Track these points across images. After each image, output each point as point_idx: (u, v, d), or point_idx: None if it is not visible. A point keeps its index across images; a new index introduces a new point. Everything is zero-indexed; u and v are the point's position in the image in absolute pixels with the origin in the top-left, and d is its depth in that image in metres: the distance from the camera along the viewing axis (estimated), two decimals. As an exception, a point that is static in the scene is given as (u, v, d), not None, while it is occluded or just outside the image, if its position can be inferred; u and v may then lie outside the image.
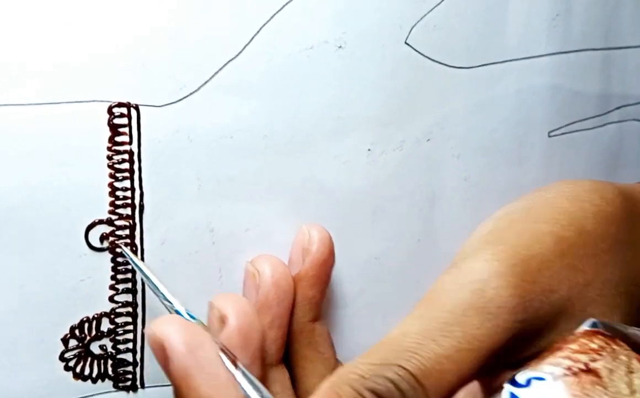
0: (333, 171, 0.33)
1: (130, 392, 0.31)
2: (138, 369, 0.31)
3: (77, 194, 0.28)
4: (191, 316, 0.27)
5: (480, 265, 0.26)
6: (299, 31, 0.31)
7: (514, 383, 0.25)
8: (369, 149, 0.33)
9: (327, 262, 0.31)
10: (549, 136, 0.38)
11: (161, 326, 0.26)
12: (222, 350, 0.26)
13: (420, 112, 0.34)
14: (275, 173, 0.31)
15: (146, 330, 0.28)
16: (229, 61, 0.30)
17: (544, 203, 0.30)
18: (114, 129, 0.28)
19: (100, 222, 0.29)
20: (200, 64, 0.29)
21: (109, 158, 0.28)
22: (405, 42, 0.33)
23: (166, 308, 0.28)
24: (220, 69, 0.30)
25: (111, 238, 0.29)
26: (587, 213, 0.29)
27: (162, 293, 0.28)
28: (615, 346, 0.25)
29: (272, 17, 0.30)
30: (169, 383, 0.30)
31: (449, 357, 0.24)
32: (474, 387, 0.26)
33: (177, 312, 0.27)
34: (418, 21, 0.33)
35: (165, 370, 0.26)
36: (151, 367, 0.31)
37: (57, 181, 0.28)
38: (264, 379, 0.29)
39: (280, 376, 0.30)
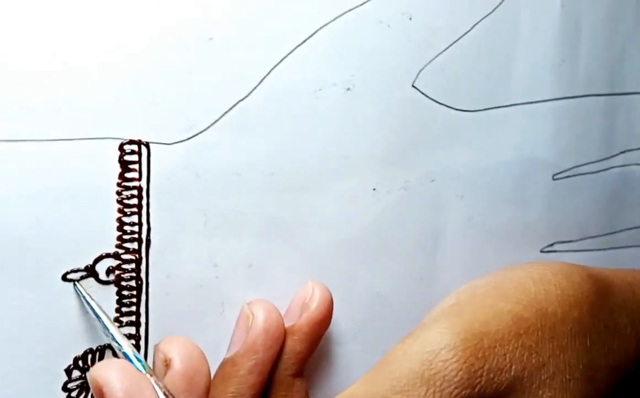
0: (338, 209, 0.33)
1: (131, 422, 0.31)
2: (139, 400, 0.31)
3: (85, 228, 0.29)
4: (138, 359, 0.28)
5: (434, 336, 0.27)
6: (309, 73, 0.31)
7: None
8: (374, 189, 0.34)
9: (323, 323, 0.31)
10: (553, 179, 0.39)
11: (102, 370, 0.26)
12: (166, 395, 0.26)
13: (425, 153, 0.35)
14: (281, 210, 0.32)
15: (88, 373, 0.28)
16: (239, 101, 0.30)
17: (509, 281, 0.31)
18: (125, 165, 0.29)
19: (108, 256, 0.29)
20: (211, 103, 0.30)
21: (119, 193, 0.29)
22: (412, 85, 0.34)
23: (114, 349, 0.29)
24: (230, 108, 0.30)
25: (117, 272, 0.29)
26: (551, 295, 0.29)
27: (111, 334, 0.28)
28: None
29: (282, 59, 0.31)
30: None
31: None
32: None
33: (125, 354, 0.28)
34: (425, 65, 0.34)
35: None
36: (152, 399, 0.31)
37: (67, 215, 0.28)
38: None
39: None
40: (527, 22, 0.36)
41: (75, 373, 0.30)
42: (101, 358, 0.30)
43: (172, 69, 0.29)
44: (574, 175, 0.39)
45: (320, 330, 0.31)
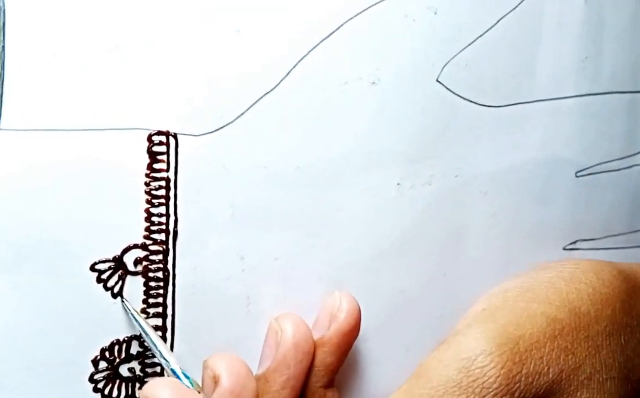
0: (362, 204, 0.33)
1: (156, 415, 0.31)
2: (165, 393, 0.31)
3: (113, 219, 0.29)
4: (186, 376, 0.28)
5: (469, 342, 0.27)
6: (334, 67, 0.31)
7: None
8: (398, 184, 0.34)
9: (352, 333, 0.31)
10: (576, 176, 0.38)
11: (154, 389, 0.26)
12: None
13: (449, 149, 0.35)
14: (306, 204, 0.32)
15: (140, 392, 0.28)
16: (265, 94, 0.30)
17: (540, 282, 0.30)
18: (153, 156, 0.29)
19: (135, 246, 0.29)
20: (238, 95, 0.30)
21: (147, 184, 0.29)
22: (437, 80, 0.34)
23: (163, 366, 0.29)
24: (257, 101, 0.30)
25: (144, 263, 0.29)
26: (583, 294, 0.29)
27: (159, 351, 0.28)
28: None
29: (308, 52, 0.31)
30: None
31: None
32: None
33: (173, 371, 0.28)
34: (450, 60, 0.34)
35: None
36: (178, 392, 0.31)
37: (95, 206, 0.28)
38: None
39: None
40: (550, 17, 0.36)
41: (102, 365, 0.30)
42: (128, 349, 0.30)
43: (199, 60, 0.29)
44: (597, 173, 0.39)
45: (349, 341, 0.31)
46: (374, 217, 0.33)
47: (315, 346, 0.30)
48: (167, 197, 0.29)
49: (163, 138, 0.29)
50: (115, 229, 0.29)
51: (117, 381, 0.30)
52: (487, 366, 0.26)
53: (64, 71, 0.27)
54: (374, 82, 0.32)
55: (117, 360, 0.30)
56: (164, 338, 0.30)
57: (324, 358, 0.30)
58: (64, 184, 0.28)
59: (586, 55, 0.37)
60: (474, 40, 0.35)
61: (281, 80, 0.30)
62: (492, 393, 0.25)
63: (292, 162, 0.31)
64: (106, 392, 0.30)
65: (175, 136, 0.29)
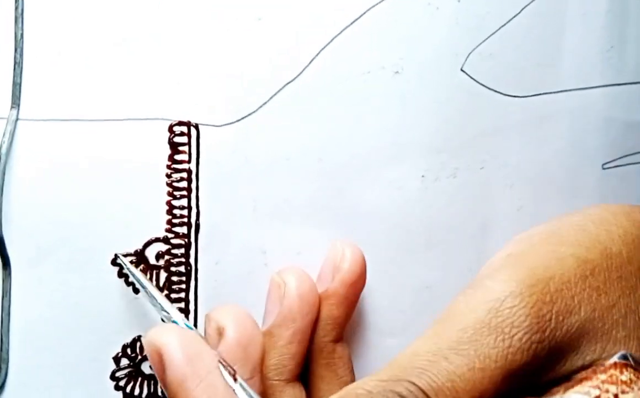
0: (387, 196, 0.32)
1: (179, 414, 0.30)
2: (187, 391, 0.30)
3: (135, 212, 0.28)
4: (189, 327, 0.27)
5: (496, 285, 0.26)
6: (357, 56, 0.31)
7: None
8: (422, 176, 0.33)
9: (358, 283, 0.30)
10: (603, 168, 0.38)
11: (159, 334, 0.25)
12: (221, 363, 0.25)
13: (474, 140, 0.34)
14: (329, 196, 0.31)
15: (143, 337, 0.27)
16: (287, 83, 0.30)
17: (568, 226, 0.29)
18: (174, 147, 0.28)
19: (157, 240, 0.29)
20: (260, 85, 0.29)
21: (168, 176, 0.28)
22: (461, 69, 0.33)
23: (163, 319, 0.28)
24: (279, 91, 0.30)
25: (167, 257, 0.29)
26: (614, 235, 0.28)
27: (159, 303, 0.27)
28: None
29: (330, 41, 0.30)
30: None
31: (461, 376, 0.24)
32: None
33: (175, 323, 0.27)
34: (474, 49, 0.33)
35: (160, 379, 0.25)
36: (201, 390, 0.30)
37: (116, 198, 0.28)
38: (276, 393, 0.29)
39: (296, 393, 0.30)
40: (574, 7, 0.36)
41: (124, 362, 0.29)
42: (150, 346, 0.29)
43: (220, 49, 0.28)
44: (624, 165, 0.38)
45: (355, 291, 0.30)
46: (398, 210, 0.33)
47: (320, 300, 0.30)
48: (189, 189, 0.29)
49: (184, 129, 0.28)
50: (137, 223, 0.28)
51: (139, 378, 0.29)
52: (517, 306, 0.25)
53: (85, 59, 0.27)
54: (397, 72, 0.32)
55: (139, 357, 0.29)
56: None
57: (330, 310, 0.30)
58: (84, 176, 0.28)
59: (611, 44, 0.37)
60: (498, 29, 0.34)
61: (303, 69, 0.30)
62: (522, 332, 0.24)
63: (314, 153, 0.31)
64: (128, 389, 0.29)
65: (196, 127, 0.28)
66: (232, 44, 0.29)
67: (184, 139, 0.28)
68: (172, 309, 0.27)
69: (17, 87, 0.26)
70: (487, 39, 0.34)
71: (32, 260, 0.27)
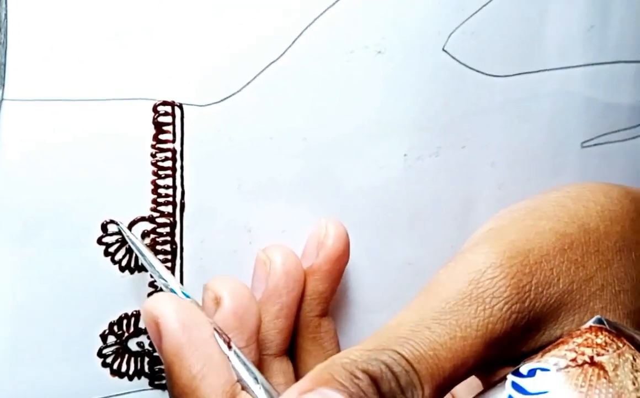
0: (370, 175, 0.33)
1: (165, 390, 0.31)
2: (174, 367, 0.31)
3: (120, 191, 0.28)
4: (186, 296, 0.27)
5: (477, 257, 0.26)
6: (340, 35, 0.31)
7: (516, 373, 0.25)
8: (405, 155, 0.34)
9: (342, 258, 0.31)
10: (582, 147, 0.38)
11: (156, 302, 0.26)
12: (217, 331, 0.26)
13: (457, 119, 0.34)
14: (313, 175, 0.32)
15: (141, 306, 0.27)
16: (271, 63, 0.30)
17: (547, 202, 0.30)
18: (159, 127, 0.28)
19: (142, 219, 0.29)
20: (243, 65, 0.29)
21: (153, 155, 0.29)
22: (443, 49, 0.34)
23: (160, 286, 0.28)
24: (262, 70, 0.30)
25: (152, 236, 0.29)
26: (591, 211, 0.29)
27: (157, 271, 0.28)
28: (620, 344, 0.25)
29: (314, 20, 0.30)
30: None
31: (443, 345, 0.24)
32: (472, 381, 0.26)
33: (172, 291, 0.27)
34: (456, 28, 0.34)
35: (157, 347, 0.26)
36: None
37: (101, 178, 0.28)
38: (264, 367, 0.29)
39: (284, 367, 0.30)
40: (557, -15, 0.36)
41: (111, 339, 0.29)
42: (136, 323, 0.30)
43: (204, 29, 0.29)
44: (603, 143, 0.39)
45: (339, 266, 0.31)
46: (382, 188, 0.33)
47: (305, 275, 0.30)
48: (173, 168, 0.29)
49: (168, 108, 0.28)
50: (122, 202, 0.29)
51: (126, 355, 0.30)
52: (497, 277, 0.26)
53: (69, 40, 0.27)
54: (380, 51, 0.32)
55: (126, 334, 0.30)
56: (172, 311, 0.30)
57: (315, 286, 0.30)
58: (70, 156, 0.28)
59: (592, 24, 0.37)
60: (480, 8, 0.34)
61: (287, 49, 0.30)
62: (502, 302, 0.25)
63: (298, 133, 0.31)
64: (115, 366, 0.30)
65: (180, 107, 0.29)
66: (215, 23, 0.29)
67: (169, 119, 0.29)
68: (170, 277, 0.28)
69: (1, 67, 0.26)
70: (469, 18, 0.34)
71: (19, 239, 0.28)
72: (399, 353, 0.24)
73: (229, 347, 0.26)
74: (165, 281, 0.27)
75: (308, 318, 0.30)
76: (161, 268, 0.28)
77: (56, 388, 0.29)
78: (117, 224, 0.28)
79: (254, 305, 0.28)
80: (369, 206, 0.33)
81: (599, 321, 0.26)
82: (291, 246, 0.31)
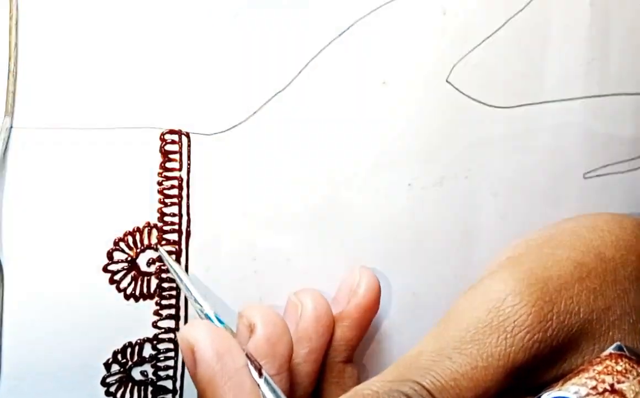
0: (374, 204, 0.33)
1: (168, 420, 0.31)
2: (177, 397, 0.31)
3: (126, 219, 0.29)
4: (220, 322, 0.27)
5: (497, 284, 0.26)
6: (345, 66, 0.31)
7: None
8: (409, 184, 0.34)
9: (372, 309, 0.31)
10: (584, 178, 0.38)
11: (192, 330, 0.26)
12: (248, 358, 0.26)
13: (460, 150, 0.35)
14: (318, 204, 0.32)
15: (178, 333, 0.28)
16: (277, 93, 0.30)
17: (563, 231, 0.30)
18: (165, 155, 0.29)
19: (149, 247, 0.29)
20: (250, 95, 0.30)
21: (159, 183, 0.29)
22: (447, 81, 0.34)
23: (196, 311, 0.28)
24: (269, 100, 0.30)
25: (158, 264, 0.29)
26: (606, 241, 0.29)
27: (193, 296, 0.28)
28: None
29: (320, 51, 0.31)
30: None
31: (464, 374, 0.24)
32: None
33: (207, 316, 0.28)
34: (459, 60, 0.34)
35: (191, 375, 0.26)
36: (191, 396, 0.31)
37: (107, 205, 0.28)
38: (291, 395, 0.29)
39: None
40: (557, 19, 0.36)
41: (115, 368, 0.29)
42: (140, 351, 0.30)
43: (211, 59, 0.29)
44: (605, 174, 0.39)
45: (369, 316, 0.31)
46: (386, 218, 0.33)
47: (335, 320, 0.30)
48: (179, 196, 0.29)
49: (175, 137, 0.29)
50: (129, 229, 0.29)
51: (130, 384, 0.30)
52: (518, 304, 0.25)
53: (78, 69, 0.27)
54: (384, 82, 0.32)
55: (130, 363, 0.29)
56: (176, 342, 0.30)
57: (343, 332, 0.30)
58: (77, 184, 0.28)
59: (592, 57, 0.38)
60: (483, 41, 0.35)
61: (293, 79, 0.30)
62: (525, 331, 0.25)
63: (304, 162, 0.31)
64: (118, 395, 0.29)
65: (187, 135, 0.29)
66: (223, 53, 0.29)
67: (175, 148, 0.29)
68: (205, 304, 0.28)
69: (10, 95, 0.26)
70: (472, 50, 0.34)
71: (25, 266, 0.28)
72: (420, 384, 0.24)
73: (260, 375, 0.26)
74: (201, 306, 0.28)
75: (333, 364, 0.31)
76: (197, 295, 0.28)
77: (58, 417, 0.29)
78: (158, 248, 0.29)
79: (287, 333, 0.28)
80: (373, 235, 0.33)
81: (619, 348, 0.26)
82: (296, 275, 0.31)
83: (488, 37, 0.35)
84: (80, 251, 0.28)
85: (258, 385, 0.26)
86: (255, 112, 0.30)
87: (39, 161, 0.27)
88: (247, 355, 0.26)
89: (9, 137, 0.26)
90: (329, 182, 0.32)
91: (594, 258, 0.28)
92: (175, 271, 0.29)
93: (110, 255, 0.28)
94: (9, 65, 0.26)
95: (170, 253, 0.29)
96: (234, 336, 0.27)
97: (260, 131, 0.30)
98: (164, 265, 0.29)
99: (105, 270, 0.28)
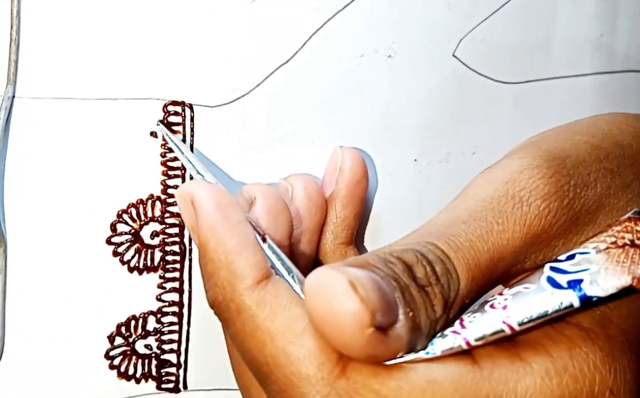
0: (380, 180, 0.33)
1: (172, 393, 0.31)
2: (182, 371, 0.30)
3: (130, 191, 0.28)
4: None
5: (515, 161, 0.26)
6: (350, 39, 0.31)
7: (554, 260, 0.24)
8: (415, 160, 0.33)
9: (360, 183, 0.30)
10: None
11: (192, 184, 0.25)
12: (251, 224, 0.25)
13: (466, 125, 0.34)
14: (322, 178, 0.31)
15: (176, 190, 0.27)
16: (280, 66, 0.30)
17: (580, 123, 0.29)
18: (169, 127, 0.28)
19: (152, 220, 0.29)
20: (253, 67, 0.30)
21: (162, 155, 0.29)
22: (453, 55, 0.34)
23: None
24: (272, 73, 0.30)
25: (161, 236, 0.29)
26: (624, 132, 0.28)
27: (195, 168, 0.27)
28: None
29: (324, 24, 0.30)
30: (212, 386, 0.30)
31: (479, 237, 0.24)
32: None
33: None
34: (466, 34, 0.34)
35: (190, 228, 0.25)
36: (195, 370, 0.31)
37: (111, 177, 0.28)
38: None
39: None
40: (565, -6, 0.36)
41: (118, 341, 0.29)
42: (144, 325, 0.29)
43: (214, 31, 0.29)
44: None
45: (359, 191, 0.30)
46: (391, 194, 0.33)
47: (327, 202, 0.30)
48: (183, 168, 0.29)
49: (179, 109, 0.28)
50: (132, 202, 0.28)
51: (134, 357, 0.29)
52: (535, 176, 0.25)
53: (81, 39, 0.27)
54: (390, 56, 0.32)
55: (134, 336, 0.29)
56: (180, 314, 0.30)
57: (337, 212, 0.30)
58: (80, 155, 0.28)
59: (601, 33, 0.37)
60: (490, 15, 0.34)
61: (297, 52, 0.30)
62: (540, 199, 0.24)
63: (307, 135, 0.31)
64: (122, 368, 0.29)
65: (190, 107, 0.29)
66: (226, 25, 0.29)
67: (178, 119, 0.29)
68: (207, 173, 0.27)
69: (13, 64, 0.26)
70: (479, 24, 0.34)
71: (28, 238, 0.27)
72: (434, 244, 0.23)
73: (264, 240, 0.25)
74: (202, 176, 0.27)
75: (333, 245, 0.30)
76: (198, 165, 0.27)
77: (62, 390, 0.29)
78: (158, 124, 0.28)
79: (287, 210, 0.27)
80: (378, 211, 0.33)
81: (638, 213, 0.25)
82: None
83: (495, 12, 0.34)
84: (83, 223, 0.28)
85: (262, 247, 0.25)
86: (258, 85, 0.30)
87: (41, 131, 0.27)
88: (250, 221, 0.25)
89: (11, 106, 0.26)
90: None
91: (611, 144, 0.27)
92: (174, 142, 0.28)
93: (113, 227, 0.28)
94: (10, 33, 0.26)
95: (173, 225, 0.29)
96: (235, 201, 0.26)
97: (263, 104, 0.30)
98: (168, 238, 0.29)
99: (108, 242, 0.28)
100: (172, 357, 0.30)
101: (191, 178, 0.29)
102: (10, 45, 0.26)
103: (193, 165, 0.27)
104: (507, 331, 0.22)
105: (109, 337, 0.29)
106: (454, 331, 0.22)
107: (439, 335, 0.22)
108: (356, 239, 0.32)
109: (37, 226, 0.28)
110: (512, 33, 0.35)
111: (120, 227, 0.28)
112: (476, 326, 0.22)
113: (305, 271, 0.29)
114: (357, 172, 0.30)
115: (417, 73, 0.33)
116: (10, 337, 0.28)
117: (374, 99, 0.32)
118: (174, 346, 0.30)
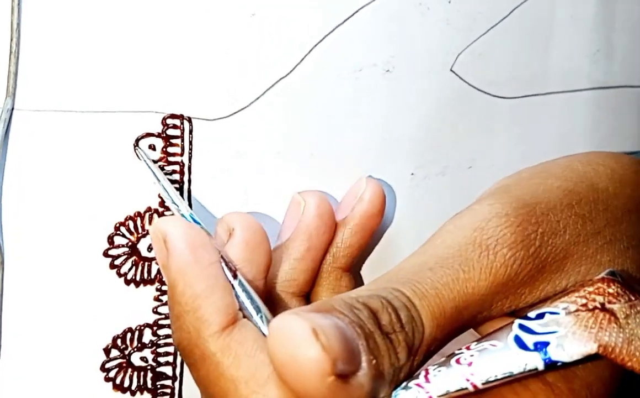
0: (377, 193, 0.33)
1: (168, 406, 0.31)
2: (177, 383, 0.30)
3: (128, 204, 0.28)
4: (196, 222, 0.26)
5: (484, 207, 0.26)
6: (349, 53, 0.31)
7: (524, 318, 0.24)
8: (412, 173, 0.34)
9: (375, 217, 0.31)
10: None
11: (166, 221, 0.25)
12: (223, 259, 0.25)
13: (463, 139, 0.34)
14: (320, 190, 0.32)
15: (150, 226, 0.27)
16: (280, 79, 0.30)
17: (555, 164, 0.29)
18: (167, 140, 0.28)
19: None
20: (252, 80, 0.30)
21: (161, 168, 0.29)
22: (451, 70, 0.34)
23: (173, 212, 0.27)
24: (271, 86, 0.30)
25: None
26: (601, 174, 0.28)
27: (170, 197, 0.27)
28: (632, 297, 0.24)
29: (323, 38, 0.31)
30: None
31: (445, 285, 0.24)
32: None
33: (183, 216, 0.27)
34: (464, 49, 0.34)
35: (162, 266, 0.25)
36: (191, 382, 0.30)
37: (109, 190, 0.28)
38: (281, 303, 0.29)
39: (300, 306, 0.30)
40: (563, 9, 0.36)
41: (114, 353, 0.29)
42: (140, 337, 0.29)
43: (214, 44, 0.29)
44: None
45: (372, 224, 0.30)
46: (388, 206, 0.33)
47: (337, 225, 0.30)
48: (181, 181, 0.29)
49: (177, 122, 0.28)
50: (130, 214, 0.28)
51: (129, 370, 0.29)
52: (502, 225, 0.25)
53: (80, 52, 0.27)
54: (388, 70, 0.32)
55: (130, 348, 0.29)
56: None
57: (344, 237, 0.30)
58: (78, 168, 0.28)
59: (598, 48, 0.37)
60: (488, 30, 0.34)
61: (296, 65, 0.30)
62: (507, 248, 0.25)
63: (306, 148, 0.31)
64: (117, 381, 0.29)
65: (189, 120, 0.29)
66: (226, 39, 0.29)
67: (177, 132, 0.29)
68: (182, 204, 0.27)
69: (12, 76, 0.26)
70: (476, 40, 0.34)
71: (26, 250, 0.27)
72: (400, 290, 0.23)
73: (235, 276, 0.25)
74: (177, 206, 0.27)
75: (331, 268, 0.30)
76: (174, 194, 0.27)
77: (58, 402, 0.29)
78: (136, 147, 0.28)
79: (266, 242, 0.27)
80: (375, 225, 0.33)
81: (612, 273, 0.25)
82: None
83: (493, 27, 0.34)
84: (81, 236, 0.28)
85: (232, 286, 0.25)
86: (257, 98, 0.30)
87: (40, 143, 0.27)
88: (222, 257, 0.25)
89: (10, 118, 0.26)
90: (331, 169, 0.32)
91: (585, 188, 0.27)
92: (152, 170, 0.28)
93: (111, 240, 0.28)
94: (10, 46, 0.26)
95: (171, 238, 0.29)
96: (210, 237, 0.26)
97: (263, 117, 0.30)
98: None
99: (105, 254, 0.28)
100: (168, 370, 0.30)
101: (189, 193, 0.29)
102: (9, 58, 0.26)
103: (168, 194, 0.27)
104: (471, 389, 0.22)
105: (104, 349, 0.29)
106: (418, 385, 0.22)
107: (402, 386, 0.22)
108: (353, 253, 0.32)
109: (35, 238, 0.27)
110: (510, 48, 0.35)
111: (118, 240, 0.28)
112: (440, 381, 0.22)
113: (305, 290, 0.30)
114: (375, 205, 0.30)
115: (415, 87, 0.33)
116: (6, 349, 0.28)
117: (372, 112, 0.32)
118: (170, 359, 0.30)
